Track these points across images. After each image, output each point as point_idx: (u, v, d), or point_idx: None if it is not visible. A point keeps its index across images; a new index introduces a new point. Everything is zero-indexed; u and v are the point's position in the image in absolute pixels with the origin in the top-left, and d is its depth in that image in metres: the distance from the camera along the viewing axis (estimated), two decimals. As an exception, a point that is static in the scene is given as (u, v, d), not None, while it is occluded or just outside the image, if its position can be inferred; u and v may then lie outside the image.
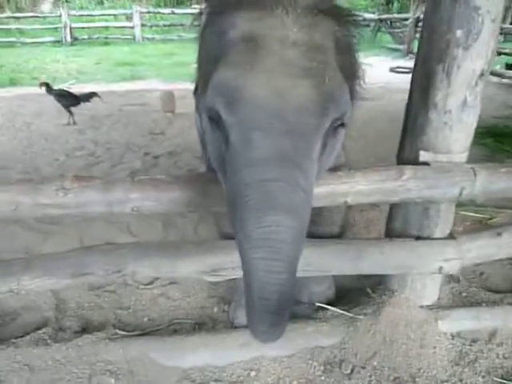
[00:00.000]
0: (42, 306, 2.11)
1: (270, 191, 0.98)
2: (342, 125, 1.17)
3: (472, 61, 1.53)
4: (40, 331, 1.92)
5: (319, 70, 1.05)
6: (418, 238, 1.85)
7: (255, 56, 1.04)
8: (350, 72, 1.26)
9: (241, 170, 1.01)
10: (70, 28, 13.39)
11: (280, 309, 1.02)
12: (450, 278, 2.27)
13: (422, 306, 1.99)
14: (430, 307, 2.00)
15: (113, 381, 1.75)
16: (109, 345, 1.83)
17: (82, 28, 13.86)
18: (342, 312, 1.95)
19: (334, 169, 1.60)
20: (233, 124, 1.05)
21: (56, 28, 13.43)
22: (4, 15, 14.77)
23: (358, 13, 1.34)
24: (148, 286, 2.28)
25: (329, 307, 2.00)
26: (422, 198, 1.63)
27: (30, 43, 12.99)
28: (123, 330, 1.97)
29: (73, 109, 5.01)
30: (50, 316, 2.06)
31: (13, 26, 13.95)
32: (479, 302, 2.14)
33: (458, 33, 1.50)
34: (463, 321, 1.98)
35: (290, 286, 1.03)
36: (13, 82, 7.88)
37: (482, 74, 1.57)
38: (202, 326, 2.06)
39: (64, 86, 7.48)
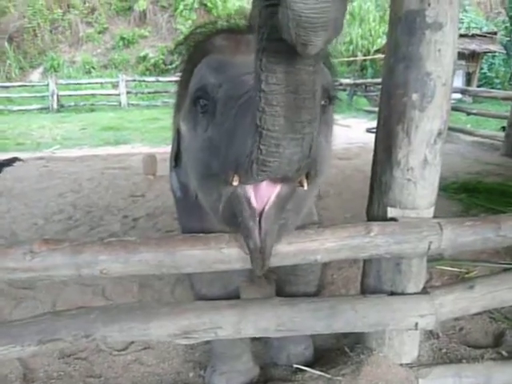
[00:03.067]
0: (9, 377, 2.01)
1: None
2: (330, 100, 1.26)
3: (429, 121, 1.63)
4: (2, 406, 1.83)
5: None
6: (392, 293, 1.85)
7: (238, 46, 1.21)
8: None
9: (239, 98, 1.07)
10: (57, 96, 13.75)
11: None
12: (430, 334, 2.25)
13: (401, 364, 1.95)
14: (409, 365, 1.97)
15: None
16: (76, 418, 1.74)
17: (69, 96, 14.26)
18: (320, 373, 1.90)
19: (305, 227, 1.63)
20: (221, 80, 1.15)
21: (43, 96, 13.78)
22: (-7, 85, 15.18)
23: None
24: (121, 352, 2.20)
25: (307, 369, 1.95)
26: (391, 253, 1.65)
27: (17, 110, 13.26)
28: (93, 401, 1.89)
29: (54, 172, 5.05)
30: (15, 388, 1.97)
31: (1, 95, 14.27)
32: (460, 359, 2.11)
33: (414, 96, 1.61)
34: (444, 379, 1.94)
35: None
36: (-2, 148, 7.94)
37: (439, 133, 1.67)
38: (176, 393, 1.99)
39: (48, 151, 7.61)
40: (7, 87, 14.96)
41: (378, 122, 1.82)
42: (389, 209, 1.77)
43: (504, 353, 2.15)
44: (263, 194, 1.13)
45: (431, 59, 1.55)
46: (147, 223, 3.89)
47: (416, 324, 1.77)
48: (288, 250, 1.54)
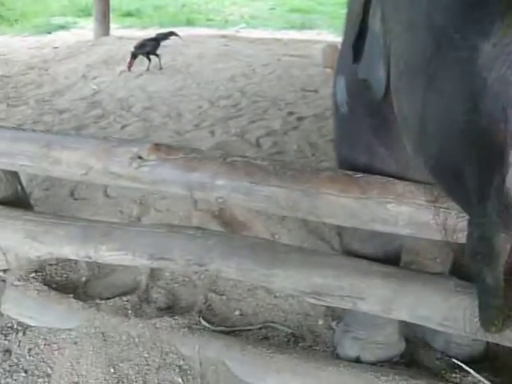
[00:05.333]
0: (138, 268, 1.95)
1: None
2: None
3: None
4: (125, 298, 1.77)
5: None
6: None
7: None
8: None
9: None
10: (256, -30, 13.33)
11: None
12: None
13: None
14: None
15: (180, 380, 1.51)
16: (186, 336, 1.58)
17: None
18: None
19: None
20: None
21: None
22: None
23: None
24: (251, 271, 1.96)
25: (470, 370, 1.44)
26: None
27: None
28: (208, 321, 1.71)
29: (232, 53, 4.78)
30: (141, 282, 1.90)
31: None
32: None
33: None
34: None
35: None
36: (189, 22, 8.10)
37: None
38: (298, 339, 1.69)
39: (233, 30, 7.49)
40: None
41: None
42: None
43: None
44: None
45: None
46: (312, 125, 3.45)
47: None
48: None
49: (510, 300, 0.69)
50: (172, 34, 5.30)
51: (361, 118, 1.12)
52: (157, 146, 1.12)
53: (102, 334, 1.62)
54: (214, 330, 1.67)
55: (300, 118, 3.61)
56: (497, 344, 1.34)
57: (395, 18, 0.81)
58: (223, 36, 6.72)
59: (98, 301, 1.76)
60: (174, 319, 1.65)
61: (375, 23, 0.92)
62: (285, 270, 1.27)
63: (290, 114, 3.70)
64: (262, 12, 9.45)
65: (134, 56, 4.77)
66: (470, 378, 1.43)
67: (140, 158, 1.11)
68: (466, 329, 1.19)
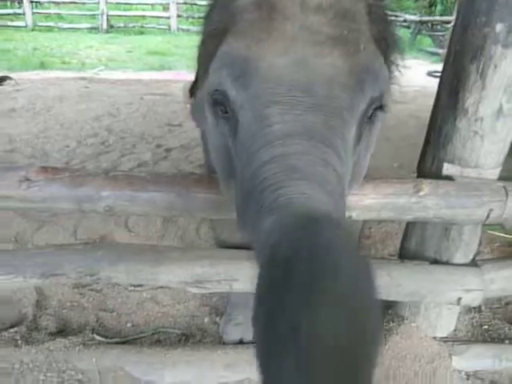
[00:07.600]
0: (22, 301, 1.97)
1: (295, 164, 0.75)
2: (381, 107, 0.94)
3: (512, 61, 1.30)
4: (12, 330, 1.79)
5: (351, 38, 0.85)
6: (435, 261, 1.62)
7: (271, 22, 0.85)
8: (385, 47, 1.03)
9: (256, 152, 0.80)
10: (107, 15, 13.45)
11: None
12: (471, 307, 2.02)
13: (435, 338, 1.76)
14: (444, 340, 1.78)
15: (81, 393, 1.60)
16: (82, 352, 1.67)
17: (119, 16, 13.90)
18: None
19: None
20: (244, 101, 0.85)
21: (93, 15, 13.52)
22: (45, 0, 14.97)
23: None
24: (137, 288, 2.11)
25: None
26: (441, 218, 1.40)
27: (66, 29, 13.12)
28: (102, 336, 1.83)
29: (94, 94, 4.86)
30: (27, 313, 1.93)
31: (52, 11, 14.12)
32: (502, 338, 1.88)
33: (498, 27, 1.27)
34: (482, 359, 1.75)
35: None
36: (43, 66, 7.91)
37: (523, 78, 1.33)
38: (188, 337, 1.89)
39: (92, 72, 7.51)
40: (58, 3, 14.72)
41: (447, 59, 1.49)
42: (445, 165, 1.49)
43: (553, 337, 1.91)
44: None
45: (530, -23, 1.19)
46: (180, 155, 3.73)
47: (459, 299, 1.55)
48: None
49: None
50: (7, 78, 5.07)
51: None
52: (44, 168, 1.27)
53: (-7, 367, 1.63)
54: (108, 343, 1.79)
55: (168, 150, 3.85)
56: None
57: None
58: (82, 78, 6.72)
59: (-17, 337, 1.75)
60: (68, 339, 1.73)
61: None
62: (168, 266, 1.49)
63: (159, 146, 3.93)
64: (120, 55, 9.62)
65: None
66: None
67: (28, 179, 1.24)
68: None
